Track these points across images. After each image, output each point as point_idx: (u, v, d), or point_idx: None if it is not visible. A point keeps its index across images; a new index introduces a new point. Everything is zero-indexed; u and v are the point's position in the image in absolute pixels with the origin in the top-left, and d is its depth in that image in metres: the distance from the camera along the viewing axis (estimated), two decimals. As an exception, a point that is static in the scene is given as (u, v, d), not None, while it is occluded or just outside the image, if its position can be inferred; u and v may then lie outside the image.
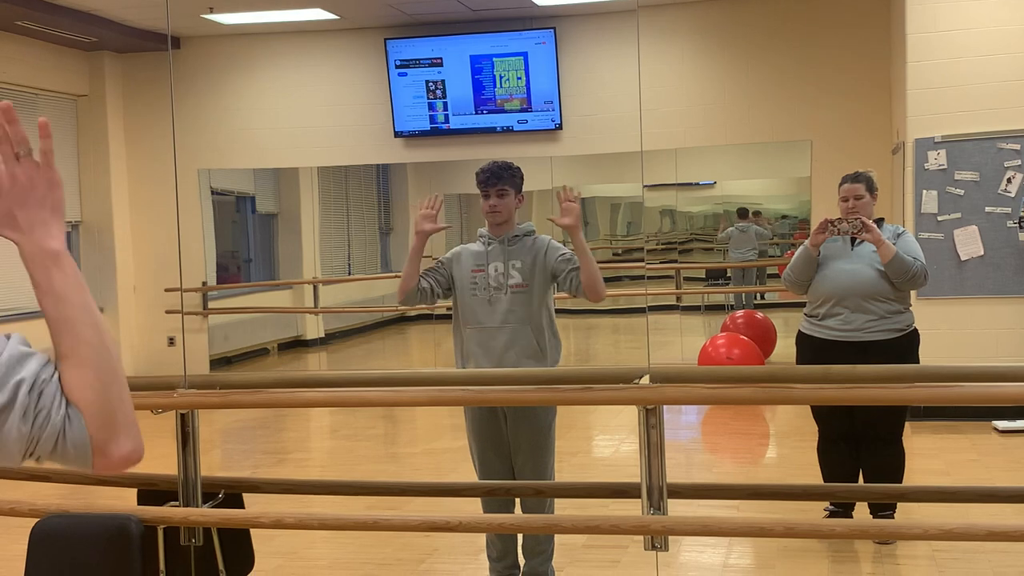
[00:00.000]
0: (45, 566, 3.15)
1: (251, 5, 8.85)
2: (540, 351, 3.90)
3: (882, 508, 4.59)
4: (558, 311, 4.10)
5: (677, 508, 3.34)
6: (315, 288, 10.78)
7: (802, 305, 4.82)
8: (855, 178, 4.67)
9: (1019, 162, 6.97)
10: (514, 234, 3.96)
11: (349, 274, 11.34)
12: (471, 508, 4.04)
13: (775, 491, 3.82)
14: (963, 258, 7.05)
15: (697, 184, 10.37)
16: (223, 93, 10.01)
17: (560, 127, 9.40)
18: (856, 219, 4.49)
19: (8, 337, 1.25)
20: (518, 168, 4.01)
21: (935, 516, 3.79)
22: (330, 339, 11.15)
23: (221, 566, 3.48)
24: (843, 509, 4.63)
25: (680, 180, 9.93)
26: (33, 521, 3.27)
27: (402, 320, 11.39)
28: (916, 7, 7.11)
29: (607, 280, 3.94)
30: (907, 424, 4.85)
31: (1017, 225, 6.95)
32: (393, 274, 10.98)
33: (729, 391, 3.34)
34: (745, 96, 9.04)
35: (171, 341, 10.12)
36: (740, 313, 9.54)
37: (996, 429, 6.70)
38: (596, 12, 9.23)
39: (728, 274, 10.70)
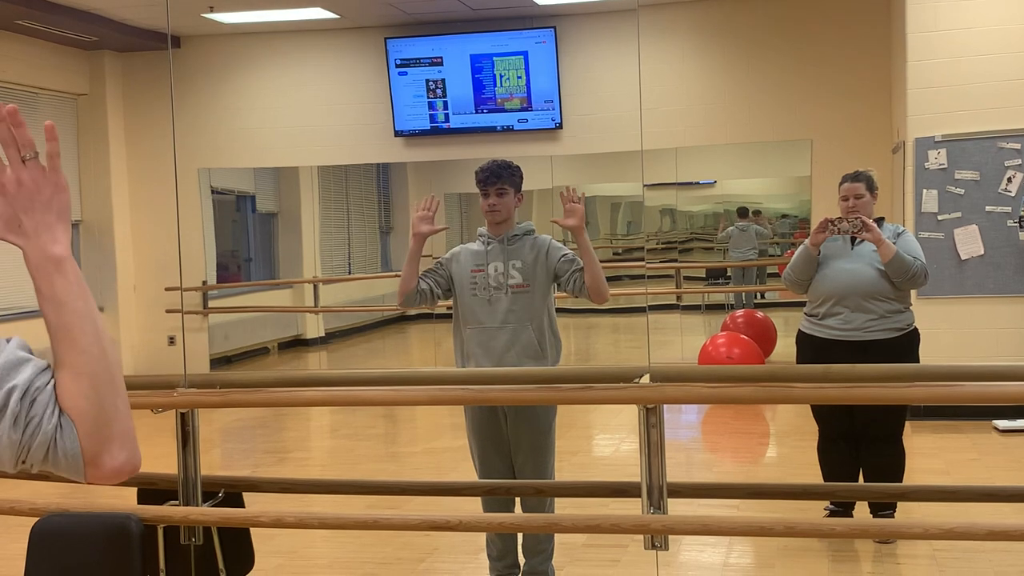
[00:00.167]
0: (45, 565, 3.15)
1: (251, 4, 8.84)
2: (540, 351, 3.90)
3: (882, 507, 4.59)
4: (558, 310, 4.10)
5: (677, 507, 3.34)
6: (315, 287, 10.78)
7: (802, 304, 4.82)
8: (855, 177, 4.67)
9: (1019, 161, 6.97)
10: (514, 233, 3.96)
11: (349, 273, 11.34)
12: (471, 507, 4.04)
13: (775, 490, 3.82)
14: (963, 257, 7.05)
15: (697, 183, 10.37)
16: (223, 92, 10.01)
17: (560, 126, 9.39)
18: (856, 218, 4.49)
19: (8, 341, 1.25)
20: (518, 167, 4.00)
21: (935, 515, 3.79)
22: (330, 338, 11.15)
23: (221, 565, 3.48)
24: (843, 508, 4.63)
25: (680, 179, 9.93)
26: (33, 520, 3.26)
27: (402, 319, 11.39)
28: (916, 6, 7.11)
29: (608, 280, 3.94)
30: (907, 423, 4.85)
31: (1017, 224, 6.95)
32: (393, 273, 10.97)
33: (729, 390, 3.34)
34: (745, 95, 9.03)
35: (171, 340, 10.12)
36: (740, 312, 9.54)
37: (996, 428, 6.70)
38: (596, 11, 9.23)
39: (728, 273, 10.70)
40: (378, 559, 4.71)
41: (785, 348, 8.22)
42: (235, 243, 11.14)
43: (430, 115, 9.60)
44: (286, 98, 9.89)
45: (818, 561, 4.46)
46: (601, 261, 3.94)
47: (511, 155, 4.87)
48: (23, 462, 1.21)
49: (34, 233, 1.24)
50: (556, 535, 4.05)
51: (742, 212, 10.24)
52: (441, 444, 7.24)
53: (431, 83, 9.52)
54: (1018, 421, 6.65)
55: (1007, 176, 6.99)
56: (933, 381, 3.34)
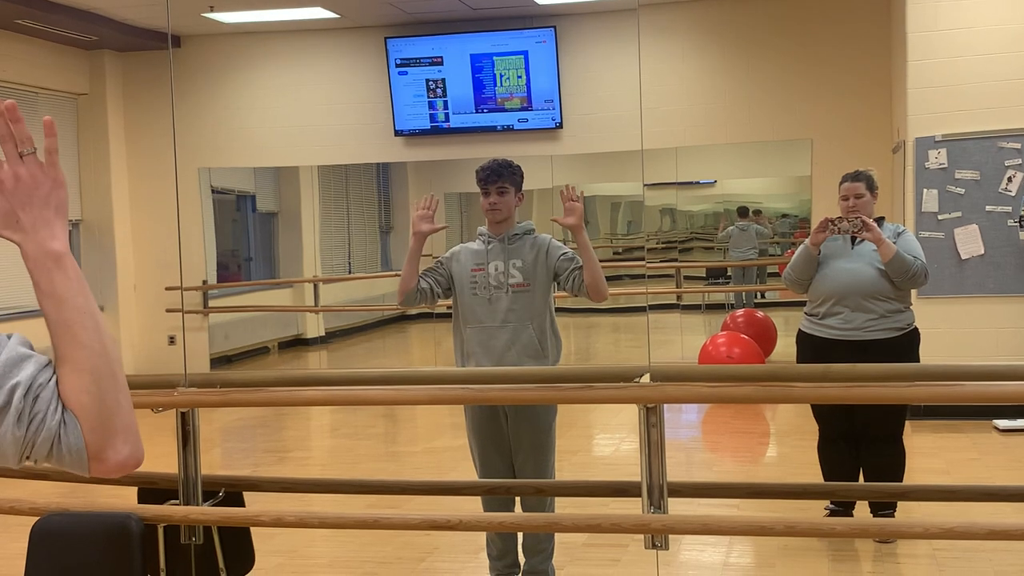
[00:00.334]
0: (45, 564, 3.15)
1: (252, 4, 8.84)
2: (541, 350, 3.90)
3: (882, 507, 4.59)
4: (558, 310, 4.10)
5: (677, 507, 3.34)
6: (315, 287, 10.78)
7: (802, 304, 4.82)
8: (855, 177, 4.67)
9: (1019, 161, 6.97)
10: (514, 233, 3.96)
11: (349, 273, 11.34)
12: (471, 507, 4.04)
13: (775, 490, 3.82)
14: (963, 257, 7.05)
15: (697, 183, 10.37)
16: (223, 92, 10.01)
17: (560, 126, 9.39)
18: (856, 218, 4.49)
19: (9, 337, 1.24)
20: (518, 166, 4.00)
21: (936, 515, 3.79)
22: (330, 338, 11.15)
23: (221, 564, 3.48)
24: (843, 508, 4.63)
25: (680, 179, 9.92)
26: (33, 519, 3.26)
27: (402, 319, 11.39)
28: (917, 6, 7.11)
29: (608, 279, 3.94)
30: (907, 423, 4.85)
31: (1017, 224, 6.95)
32: (393, 273, 10.97)
33: (729, 390, 3.34)
34: (745, 95, 9.03)
35: (171, 340, 10.12)
36: (740, 312, 9.54)
37: (996, 428, 6.70)
38: (596, 11, 9.23)
39: (728, 273, 10.70)
40: (378, 559, 4.71)
41: (785, 348, 8.23)
42: (235, 242, 11.14)
43: (430, 115, 9.60)
44: (286, 98, 9.89)
45: (818, 561, 4.46)
46: (601, 261, 3.94)
47: (511, 155, 4.86)
48: (27, 458, 1.21)
49: (32, 229, 1.24)
50: (556, 534, 4.05)
51: (742, 212, 10.24)
52: (441, 443, 7.24)
53: (431, 83, 9.52)
54: (1018, 421, 6.65)
55: (1007, 176, 6.99)
56: (933, 381, 3.34)
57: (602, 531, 3.31)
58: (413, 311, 10.54)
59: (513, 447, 3.90)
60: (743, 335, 8.48)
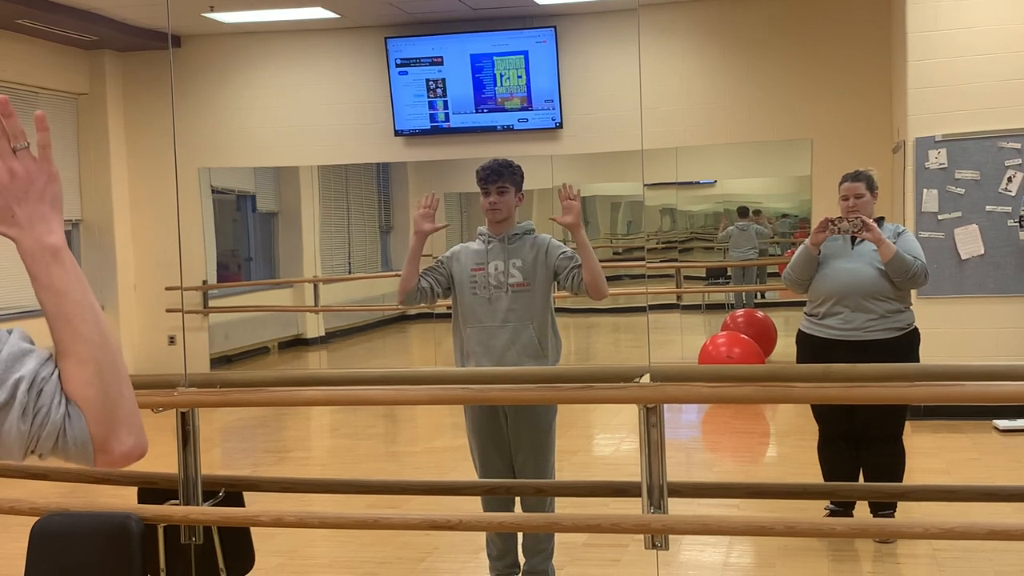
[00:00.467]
0: (45, 564, 3.15)
1: (252, 4, 8.84)
2: (541, 350, 3.90)
3: (882, 507, 4.59)
4: (558, 310, 4.10)
5: (677, 507, 3.34)
6: (315, 287, 10.78)
7: (802, 304, 4.82)
8: (855, 177, 4.67)
9: (1019, 161, 6.97)
10: (514, 232, 3.96)
11: (349, 273, 11.34)
12: (471, 507, 4.04)
13: (775, 490, 3.82)
14: (963, 257, 7.05)
15: (697, 183, 10.37)
16: (224, 92, 10.01)
17: (560, 126, 9.39)
18: (856, 218, 4.49)
19: (10, 332, 1.24)
20: (519, 166, 4.01)
21: (936, 515, 3.79)
22: (330, 338, 11.15)
23: (221, 564, 3.48)
24: (843, 508, 4.63)
25: (680, 179, 9.93)
26: (33, 519, 3.26)
27: (402, 319, 11.39)
28: (917, 6, 7.11)
29: (608, 279, 3.94)
30: (907, 423, 4.85)
31: (1017, 224, 6.95)
32: (393, 273, 10.98)
33: (729, 390, 3.34)
34: (746, 95, 9.03)
35: (171, 340, 10.12)
36: (740, 312, 9.54)
37: (996, 428, 6.70)
38: (597, 11, 9.23)
39: (728, 273, 10.70)
40: (378, 559, 4.71)
41: (785, 348, 8.23)
42: (235, 242, 11.14)
43: (430, 115, 9.60)
44: (286, 98, 9.89)
45: (818, 561, 4.46)
46: (601, 261, 3.94)
47: (511, 155, 4.86)
48: (32, 451, 1.21)
49: (28, 224, 1.24)
50: (556, 534, 4.05)
51: (742, 212, 10.24)
52: (441, 443, 7.24)
53: (431, 83, 9.52)
54: (1018, 421, 6.65)
55: (1007, 176, 6.99)
56: (933, 381, 3.34)
57: (602, 531, 3.31)
58: (413, 311, 10.55)
59: (513, 447, 3.90)
60: (743, 335, 8.48)
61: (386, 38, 9.53)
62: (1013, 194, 6.99)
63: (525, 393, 3.47)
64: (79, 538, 3.17)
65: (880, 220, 4.62)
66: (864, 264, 4.55)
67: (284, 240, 10.94)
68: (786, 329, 8.76)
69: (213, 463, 6.67)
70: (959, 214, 7.06)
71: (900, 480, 4.65)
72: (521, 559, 4.01)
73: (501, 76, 9.39)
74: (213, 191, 10.30)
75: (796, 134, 8.99)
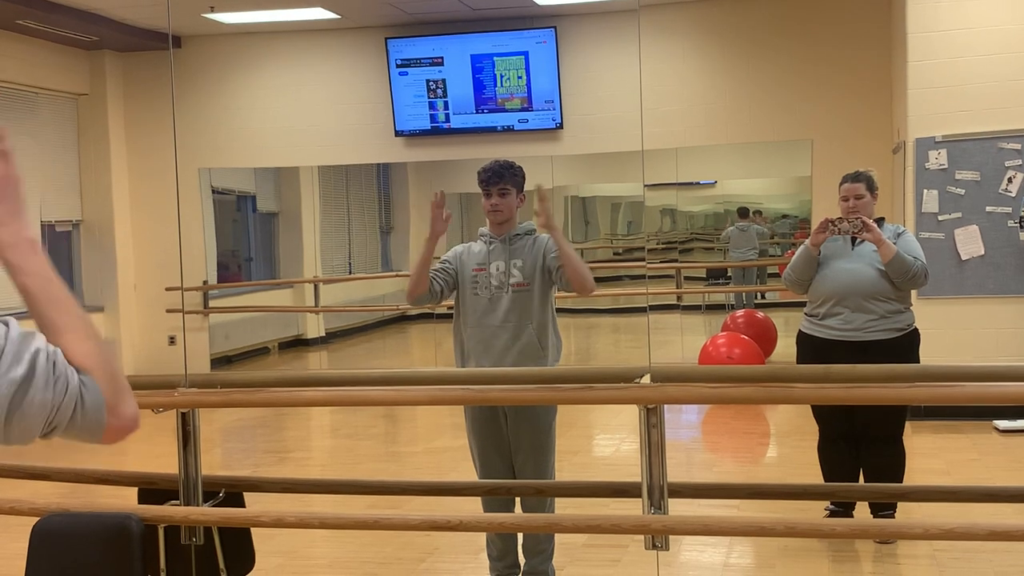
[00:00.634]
0: (45, 565, 3.15)
1: (252, 4, 8.84)
2: (541, 350, 3.90)
3: (883, 508, 4.59)
4: (559, 310, 4.10)
5: (678, 507, 3.34)
6: (316, 287, 10.78)
7: (802, 305, 4.82)
8: (855, 177, 4.67)
9: (1020, 162, 6.97)
10: (515, 233, 3.96)
11: (350, 273, 11.34)
12: (471, 507, 4.04)
13: (776, 490, 3.81)
14: (964, 258, 7.05)
15: (698, 183, 10.37)
16: (224, 92, 10.01)
17: (561, 126, 9.39)
18: (856, 218, 4.49)
19: (5, 323, 1.32)
20: (520, 167, 4.01)
21: (936, 516, 3.79)
22: (331, 338, 11.15)
23: (222, 565, 3.48)
24: (844, 509, 4.63)
25: (681, 179, 9.92)
26: (34, 520, 3.27)
27: (403, 319, 11.39)
28: (917, 6, 7.11)
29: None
30: (907, 424, 4.85)
31: (1018, 225, 6.95)
32: (394, 273, 10.99)
33: (730, 390, 3.34)
34: (746, 95, 9.03)
35: (172, 340, 10.12)
36: (740, 312, 9.54)
37: (997, 428, 6.70)
38: (597, 11, 9.23)
39: (728, 273, 10.70)
40: (378, 559, 4.71)
41: (785, 348, 8.23)
42: (236, 243, 11.14)
43: (431, 115, 9.60)
44: (287, 98, 9.89)
45: (818, 561, 4.46)
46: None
47: (511, 155, 4.87)
48: (50, 424, 1.28)
49: (11, 220, 1.35)
50: (556, 535, 4.05)
51: (742, 212, 10.24)
52: (441, 444, 7.24)
53: (431, 83, 9.52)
54: (1018, 421, 6.65)
55: (1007, 176, 6.99)
56: (933, 381, 3.34)
57: (602, 532, 3.30)
58: (413, 312, 10.55)
59: (513, 448, 3.90)
60: (743, 336, 8.48)
61: (386, 38, 9.53)
62: (1013, 195, 6.99)
63: (525, 393, 3.47)
64: (79, 538, 3.17)
65: (880, 221, 4.62)
66: (864, 265, 4.55)
67: (284, 240, 10.94)
68: (786, 330, 8.76)
69: (213, 463, 6.67)
70: (959, 215, 7.06)
71: (900, 481, 4.65)
72: (521, 560, 4.01)
73: (501, 76, 9.39)
74: (213, 191, 10.30)
75: (796, 134, 8.99)
